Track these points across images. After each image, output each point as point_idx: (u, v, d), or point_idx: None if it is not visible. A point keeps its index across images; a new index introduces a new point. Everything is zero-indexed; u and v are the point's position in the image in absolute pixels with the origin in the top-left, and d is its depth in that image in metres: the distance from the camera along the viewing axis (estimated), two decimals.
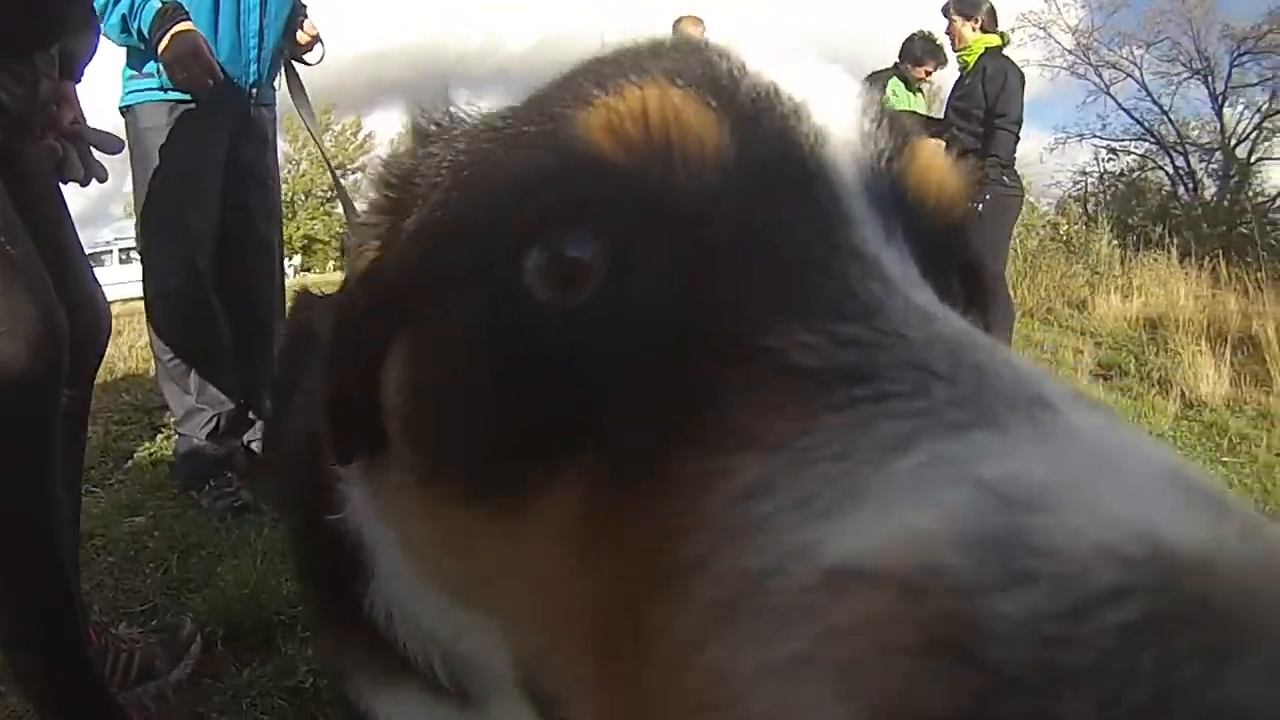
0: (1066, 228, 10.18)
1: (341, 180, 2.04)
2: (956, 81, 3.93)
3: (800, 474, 0.20)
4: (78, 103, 1.48)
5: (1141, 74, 15.84)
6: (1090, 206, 12.92)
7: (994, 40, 3.74)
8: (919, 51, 4.43)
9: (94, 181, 1.51)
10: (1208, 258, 8.22)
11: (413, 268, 0.36)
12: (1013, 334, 4.07)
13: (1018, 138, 3.65)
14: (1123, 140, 16.17)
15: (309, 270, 27.69)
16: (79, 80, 1.47)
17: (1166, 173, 15.93)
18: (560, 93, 0.33)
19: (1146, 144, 16.17)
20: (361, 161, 31.57)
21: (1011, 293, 7.54)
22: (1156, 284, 7.84)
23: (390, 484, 0.39)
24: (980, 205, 3.36)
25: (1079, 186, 15.62)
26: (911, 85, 4.51)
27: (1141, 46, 15.57)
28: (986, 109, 3.59)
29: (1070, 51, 16.02)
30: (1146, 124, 15.96)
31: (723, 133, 0.27)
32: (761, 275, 0.25)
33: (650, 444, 0.25)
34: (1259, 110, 14.57)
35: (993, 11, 3.79)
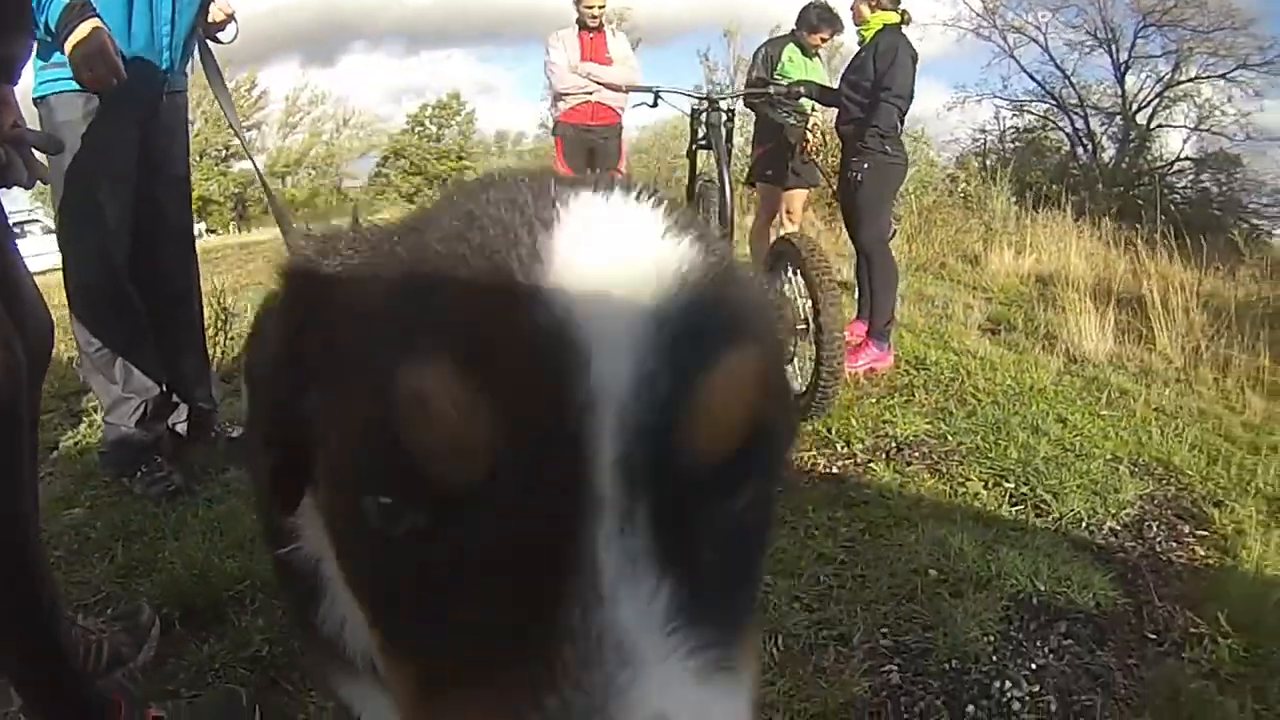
0: (964, 184, 10.51)
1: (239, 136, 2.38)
2: (853, 56, 4.18)
3: None
4: (16, 106, 1.50)
5: (1046, 39, 17.01)
6: (989, 163, 13.81)
7: (891, 18, 3.95)
8: (815, 19, 4.80)
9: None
10: (1103, 218, 8.70)
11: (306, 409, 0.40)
12: (897, 294, 4.30)
13: (903, 111, 3.91)
14: (1024, 100, 17.50)
15: (213, 233, 25.83)
16: (14, 83, 1.52)
17: (1066, 133, 17.38)
18: (396, 319, 0.34)
19: (1047, 105, 17.50)
20: (256, 119, 30.70)
21: (906, 247, 7.58)
22: (1051, 241, 8.16)
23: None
24: (861, 173, 3.83)
25: (978, 144, 16.77)
26: (808, 51, 4.90)
27: (1048, 13, 16.65)
28: (874, 82, 3.83)
29: (978, 14, 17.07)
30: (1049, 87, 17.21)
31: (484, 435, 0.30)
32: (499, 583, 0.29)
33: (439, 664, 0.31)
34: (1160, 80, 16.04)
35: None
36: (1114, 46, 16.38)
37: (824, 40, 4.92)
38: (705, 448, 0.31)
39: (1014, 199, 9.36)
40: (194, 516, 2.38)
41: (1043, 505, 2.78)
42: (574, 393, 0.29)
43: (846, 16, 4.51)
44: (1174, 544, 2.62)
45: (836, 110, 4.23)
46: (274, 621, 1.85)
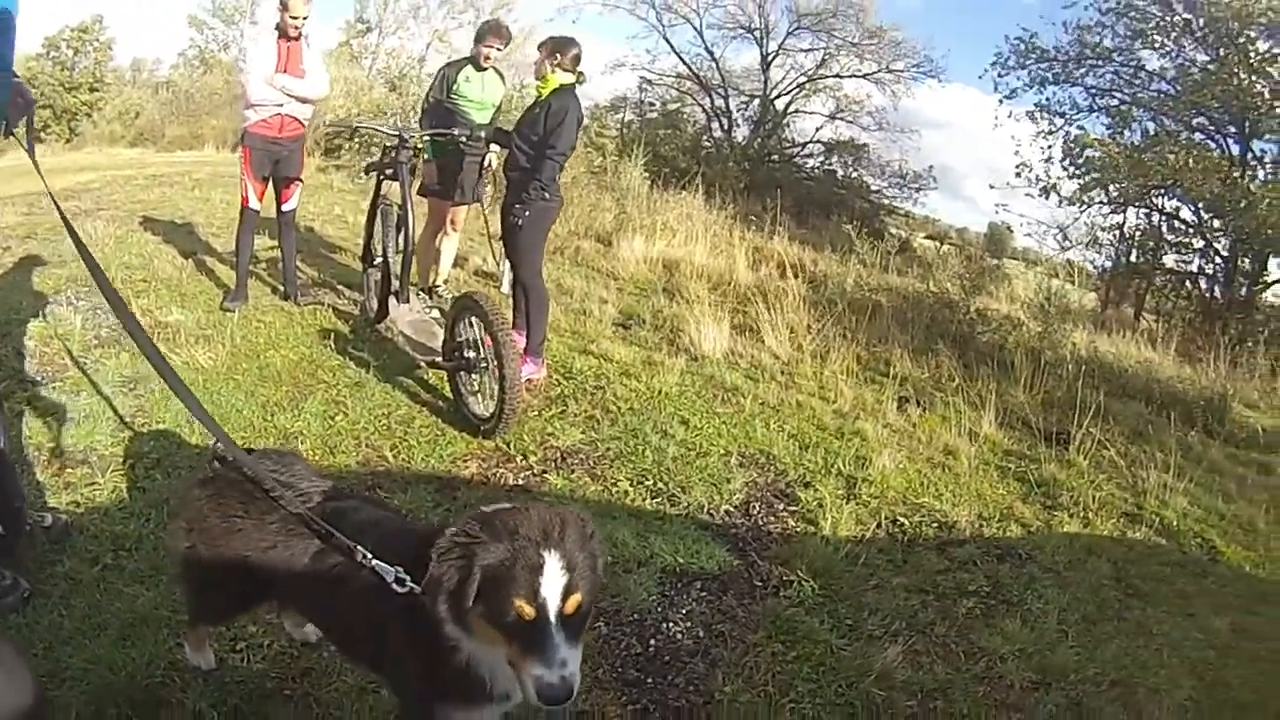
0: (602, 161, 13.17)
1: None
2: (529, 106, 5.70)
3: None
4: None
5: (701, 23, 22.13)
6: (625, 136, 17.10)
7: (569, 80, 5.44)
8: (482, 33, 6.64)
9: None
10: (733, 194, 11.39)
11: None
12: (548, 314, 5.87)
13: (562, 166, 5.43)
14: (667, 75, 22.55)
15: None
16: None
17: (704, 109, 22.72)
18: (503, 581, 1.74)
19: (690, 82, 22.62)
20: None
21: None
22: (680, 223, 10.77)
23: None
24: (522, 219, 5.36)
25: (618, 115, 19.99)
26: (480, 67, 6.63)
27: (707, 4, 21.85)
28: (542, 138, 5.28)
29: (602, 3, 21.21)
30: (694, 67, 22.38)
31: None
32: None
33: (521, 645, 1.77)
34: (804, 73, 21.88)
35: (577, 57, 5.51)
36: (765, 38, 22.06)
37: (493, 49, 6.60)
38: (572, 611, 1.71)
39: (647, 175, 12.04)
40: (62, 616, 2.83)
41: (675, 497, 4.48)
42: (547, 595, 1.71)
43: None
44: (772, 519, 4.53)
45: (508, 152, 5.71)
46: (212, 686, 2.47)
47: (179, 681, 2.46)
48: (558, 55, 5.44)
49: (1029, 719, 3.27)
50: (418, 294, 6.21)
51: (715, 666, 3.16)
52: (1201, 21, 15.24)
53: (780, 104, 22.46)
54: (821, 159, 22.48)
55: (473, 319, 4.91)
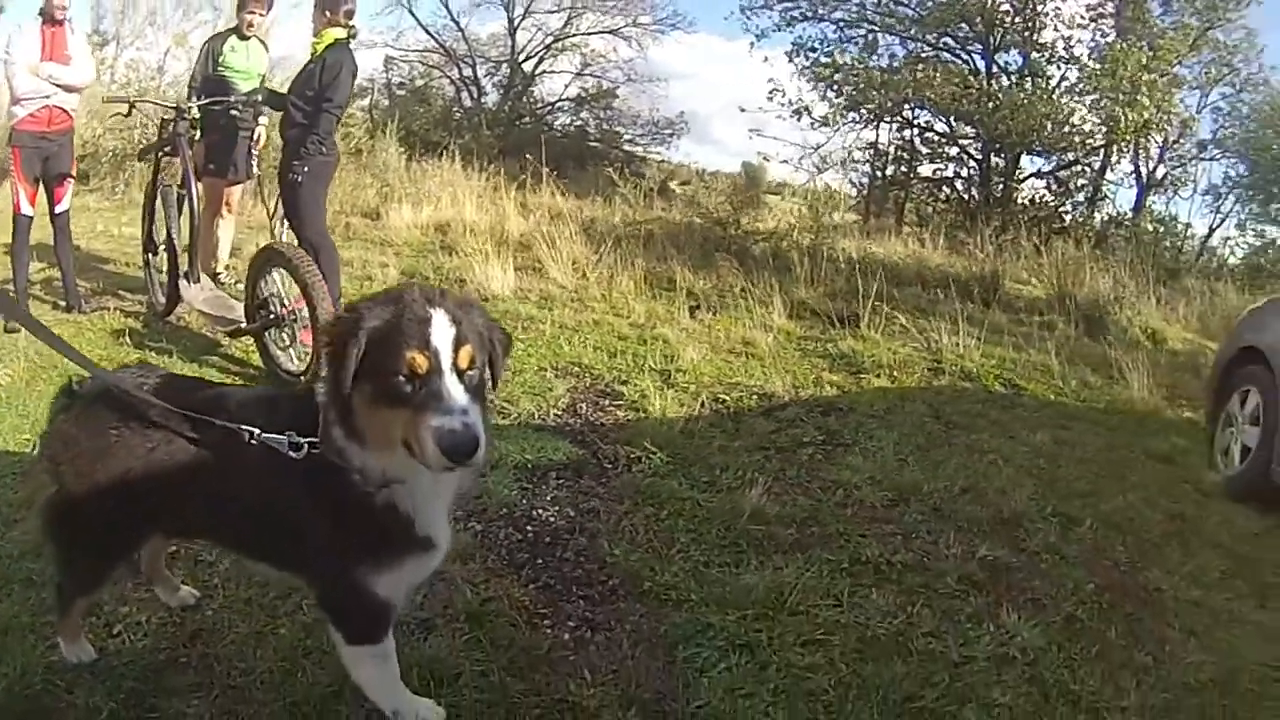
0: (356, 140, 13.02)
1: None
2: (303, 66, 5.78)
3: None
4: None
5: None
6: (375, 116, 17.24)
7: (341, 34, 5.56)
8: (244, 0, 6.69)
9: None
10: (489, 161, 11.61)
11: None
12: (339, 270, 5.94)
13: (339, 118, 5.65)
14: (413, 50, 22.89)
15: None
16: None
17: (451, 80, 23.24)
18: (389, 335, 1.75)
19: (437, 55, 23.12)
20: None
21: None
22: (443, 190, 11.07)
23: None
24: (301, 175, 5.38)
25: (365, 96, 19.86)
26: (244, 36, 6.74)
27: None
28: (318, 92, 5.37)
29: None
30: (440, 38, 22.83)
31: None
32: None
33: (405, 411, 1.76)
34: (551, 34, 22.65)
35: (350, 12, 5.66)
36: (512, 3, 22.59)
37: (254, 15, 6.70)
38: (466, 365, 1.73)
39: (403, 150, 12.23)
40: None
41: (505, 410, 4.64)
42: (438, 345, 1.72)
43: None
44: (601, 413, 4.79)
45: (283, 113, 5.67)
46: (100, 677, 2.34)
47: (63, 683, 2.35)
48: (329, 11, 5.54)
49: (899, 528, 3.69)
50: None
51: (595, 538, 3.34)
52: None
53: (529, 66, 23.15)
54: (572, 115, 23.28)
55: (275, 271, 4.98)
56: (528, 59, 23.10)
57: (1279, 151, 15.93)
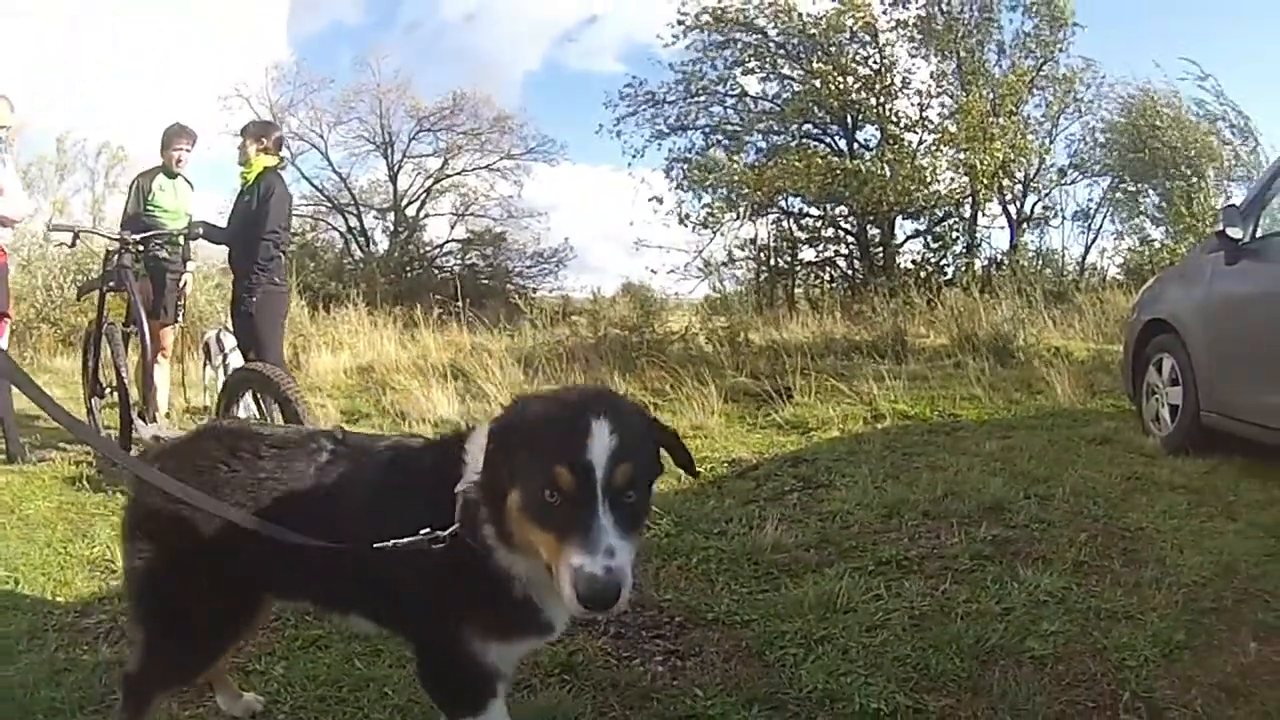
0: None
1: None
2: (238, 195, 5.96)
3: None
4: None
5: (326, 146, 23.43)
6: None
7: (273, 161, 5.84)
8: (168, 137, 6.89)
9: None
10: (387, 305, 11.97)
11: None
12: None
13: (280, 247, 5.72)
14: (302, 204, 23.08)
15: None
16: None
17: (340, 232, 24.16)
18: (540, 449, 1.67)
19: (318, 207, 23.96)
20: None
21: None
22: (354, 335, 11.49)
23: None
24: (253, 307, 5.52)
25: None
26: (171, 173, 6.96)
27: (330, 124, 23.27)
28: (253, 222, 5.55)
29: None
30: (326, 191, 23.68)
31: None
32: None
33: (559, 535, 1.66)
34: (430, 175, 23.90)
35: (280, 140, 6.02)
36: (390, 149, 23.78)
37: (181, 153, 6.92)
38: (622, 484, 1.58)
39: (303, 303, 12.55)
40: None
41: None
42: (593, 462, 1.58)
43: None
44: None
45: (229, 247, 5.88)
46: None
47: None
48: (262, 139, 5.79)
49: (902, 533, 4.13)
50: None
51: (642, 589, 3.49)
52: (795, 40, 18.74)
53: (411, 211, 24.20)
54: (459, 256, 24.30)
55: (254, 393, 5.08)
56: (410, 203, 24.10)
57: (1133, 157, 17.56)
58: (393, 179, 24.06)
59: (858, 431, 6.66)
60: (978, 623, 3.03)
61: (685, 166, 19.68)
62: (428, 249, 24.43)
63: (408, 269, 22.95)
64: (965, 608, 3.17)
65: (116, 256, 5.72)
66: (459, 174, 24.23)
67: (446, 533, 1.76)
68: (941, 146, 17.97)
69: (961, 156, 17.28)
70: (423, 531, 1.77)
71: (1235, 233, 5.13)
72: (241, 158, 5.86)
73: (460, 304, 12.61)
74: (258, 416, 5.01)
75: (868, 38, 18.45)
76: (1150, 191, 18.05)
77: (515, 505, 1.64)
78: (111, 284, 5.82)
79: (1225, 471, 4.86)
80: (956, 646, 2.84)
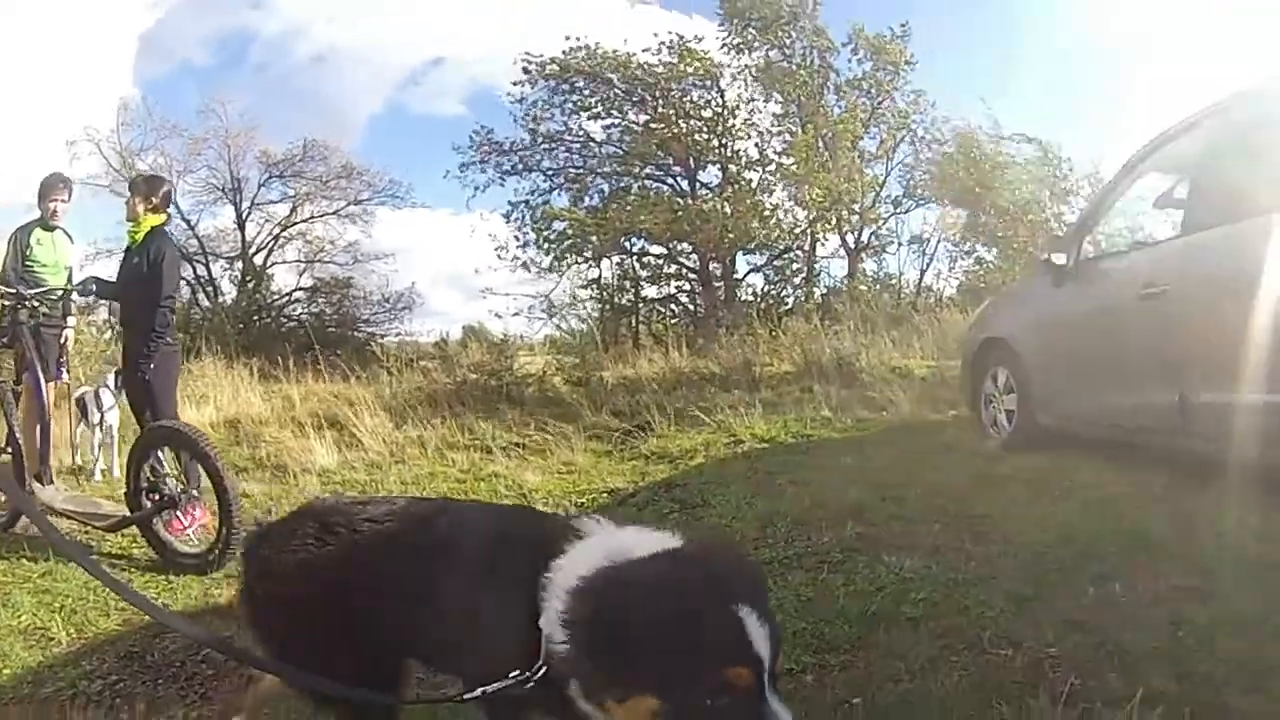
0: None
1: None
2: (126, 253, 5.97)
3: None
4: None
5: (175, 194, 21.89)
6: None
7: (160, 220, 5.84)
8: (45, 188, 6.78)
9: None
10: (251, 356, 11.89)
11: None
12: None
13: (172, 309, 5.80)
14: None
15: None
16: None
17: (187, 281, 22.82)
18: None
19: None
20: None
21: None
22: (211, 389, 11.36)
23: None
24: (148, 371, 5.55)
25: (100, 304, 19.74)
26: (49, 226, 6.82)
27: (180, 171, 22.27)
28: (148, 287, 5.55)
29: (117, 170, 21.02)
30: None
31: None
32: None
33: None
34: (279, 223, 23.45)
35: (168, 195, 6.03)
36: (239, 197, 23.30)
37: (61, 204, 6.81)
38: (781, 659, 1.54)
39: None
40: None
41: None
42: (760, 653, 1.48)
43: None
44: None
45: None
46: None
47: None
48: (151, 198, 5.77)
49: (777, 538, 4.59)
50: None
51: None
52: (639, 87, 19.40)
53: (259, 260, 23.87)
54: (307, 304, 24.13)
55: (167, 450, 5.16)
56: (258, 251, 23.89)
57: (961, 185, 18.83)
58: (240, 226, 23.65)
59: (721, 457, 7.17)
60: (858, 599, 3.49)
61: (528, 211, 20.09)
62: (275, 297, 24.18)
63: (256, 318, 22.67)
64: (844, 590, 3.63)
65: (11, 313, 5.63)
66: (307, 220, 24.17)
67: (536, 676, 1.64)
68: (779, 182, 19.02)
69: (798, 192, 18.37)
70: (512, 668, 1.66)
71: (1059, 259, 5.84)
72: (130, 214, 5.87)
73: (315, 353, 12.69)
74: (178, 473, 5.10)
75: (709, 82, 19.39)
76: (980, 215, 19.44)
77: (655, 712, 1.48)
78: (3, 340, 5.78)
79: (1059, 465, 5.51)
80: (844, 618, 3.30)
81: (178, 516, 5.11)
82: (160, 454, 5.15)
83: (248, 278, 23.55)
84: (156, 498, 5.06)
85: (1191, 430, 4.58)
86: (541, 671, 1.62)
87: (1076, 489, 4.93)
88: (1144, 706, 2.37)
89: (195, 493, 5.08)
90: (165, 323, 5.62)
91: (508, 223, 20.17)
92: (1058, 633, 3.01)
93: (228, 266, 23.96)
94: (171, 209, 6.12)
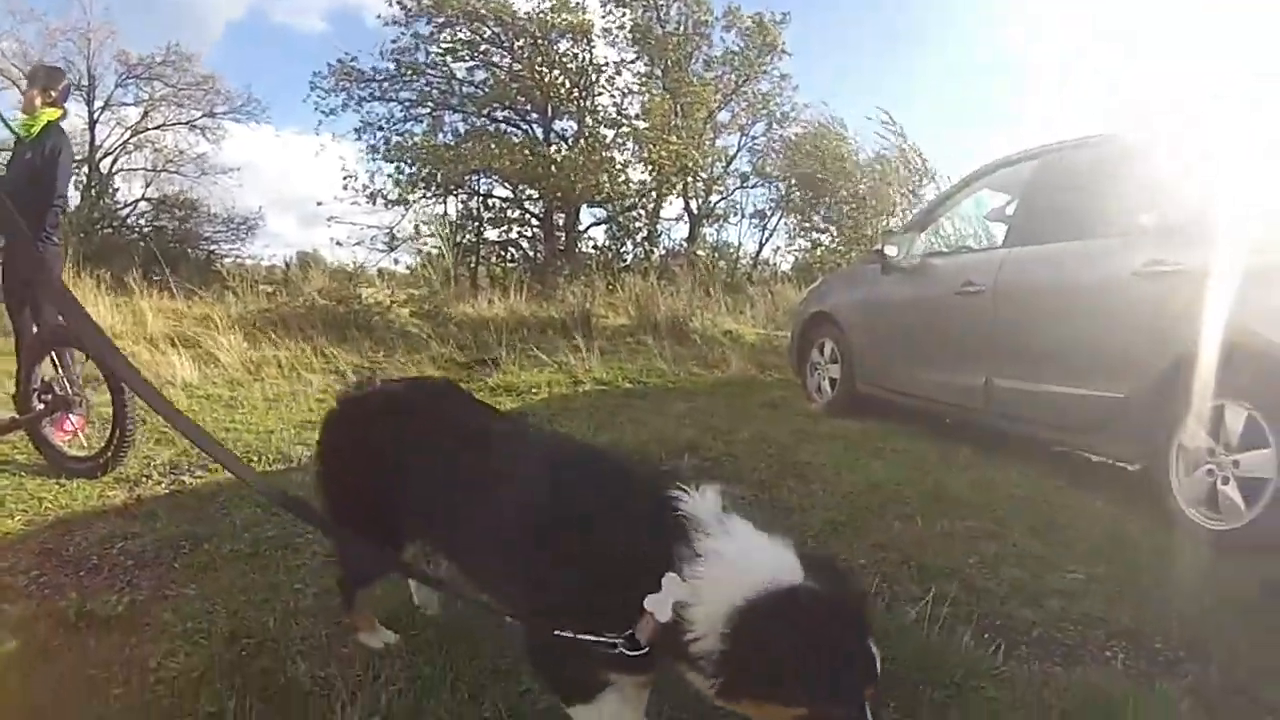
0: None
1: None
2: (16, 145, 5.82)
3: None
4: None
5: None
6: None
7: (57, 114, 5.67)
8: None
9: None
10: (98, 266, 11.90)
11: None
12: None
13: (63, 209, 5.76)
14: None
15: None
16: None
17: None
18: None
19: (6, 153, 20.66)
20: None
21: None
22: None
23: None
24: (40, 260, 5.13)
25: None
26: None
27: (35, 60, 20.36)
28: (39, 184, 5.41)
29: None
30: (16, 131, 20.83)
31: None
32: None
33: None
34: (130, 128, 23.10)
35: (68, 89, 5.86)
36: (91, 95, 22.38)
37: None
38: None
39: None
40: None
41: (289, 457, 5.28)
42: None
43: None
44: None
45: None
46: None
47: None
48: (50, 91, 5.59)
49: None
50: None
51: None
52: (512, 33, 19.59)
53: (105, 165, 22.92)
54: (151, 217, 23.39)
55: (55, 353, 5.07)
56: (105, 155, 22.90)
57: (806, 172, 20.06)
58: (91, 128, 22.52)
59: (564, 394, 7.73)
60: None
61: (381, 137, 20.03)
62: (119, 207, 23.14)
63: (98, 227, 21.56)
64: None
65: None
66: (159, 128, 23.32)
67: (637, 653, 1.70)
68: (629, 141, 19.65)
69: (647, 153, 18.99)
70: (608, 630, 1.72)
71: (891, 251, 6.58)
72: (25, 105, 5.70)
73: (162, 268, 12.40)
74: (66, 377, 5.05)
75: (580, 36, 19.72)
76: (820, 203, 20.71)
77: (795, 715, 1.62)
78: None
79: (874, 428, 6.30)
80: None
81: (69, 418, 5.10)
82: (54, 356, 5.08)
83: (93, 184, 22.48)
84: (50, 398, 5.02)
85: (993, 409, 5.47)
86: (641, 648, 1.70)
87: (889, 450, 5.65)
88: (936, 604, 2.94)
89: (88, 395, 5.09)
90: (54, 223, 5.54)
91: (359, 139, 20.23)
92: (867, 553, 3.62)
93: (75, 170, 22.97)
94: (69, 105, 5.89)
